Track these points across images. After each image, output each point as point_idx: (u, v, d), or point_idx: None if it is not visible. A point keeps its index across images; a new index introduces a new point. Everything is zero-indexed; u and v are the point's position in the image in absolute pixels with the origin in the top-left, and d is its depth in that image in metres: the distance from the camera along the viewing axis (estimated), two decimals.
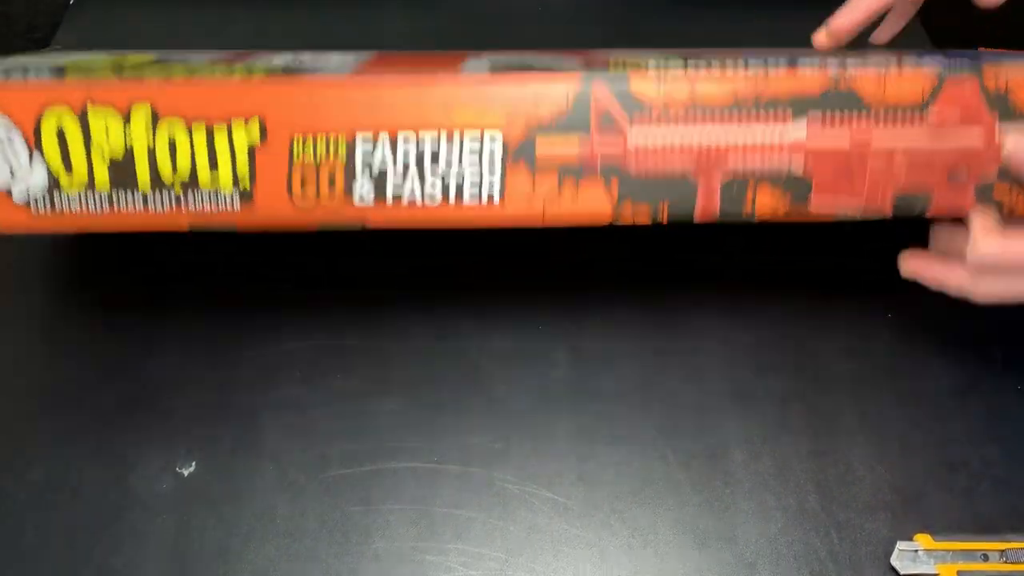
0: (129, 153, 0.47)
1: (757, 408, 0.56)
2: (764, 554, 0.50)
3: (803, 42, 0.60)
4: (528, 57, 0.53)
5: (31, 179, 0.48)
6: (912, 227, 0.66)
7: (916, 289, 0.62)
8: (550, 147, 0.48)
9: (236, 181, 0.48)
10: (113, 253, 0.63)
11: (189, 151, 0.47)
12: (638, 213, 0.50)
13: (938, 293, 0.62)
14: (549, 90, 0.47)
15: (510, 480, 0.53)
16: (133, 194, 0.49)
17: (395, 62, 0.53)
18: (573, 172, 0.48)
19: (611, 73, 0.47)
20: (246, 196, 0.49)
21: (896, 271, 0.63)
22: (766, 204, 0.49)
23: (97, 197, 0.49)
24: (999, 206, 0.49)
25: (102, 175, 0.48)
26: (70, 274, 0.62)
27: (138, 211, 0.49)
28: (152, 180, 0.48)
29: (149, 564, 0.49)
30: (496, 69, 0.49)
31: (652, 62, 0.49)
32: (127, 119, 0.47)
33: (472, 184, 0.49)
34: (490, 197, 0.49)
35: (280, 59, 0.54)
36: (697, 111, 0.47)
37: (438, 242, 0.64)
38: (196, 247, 0.63)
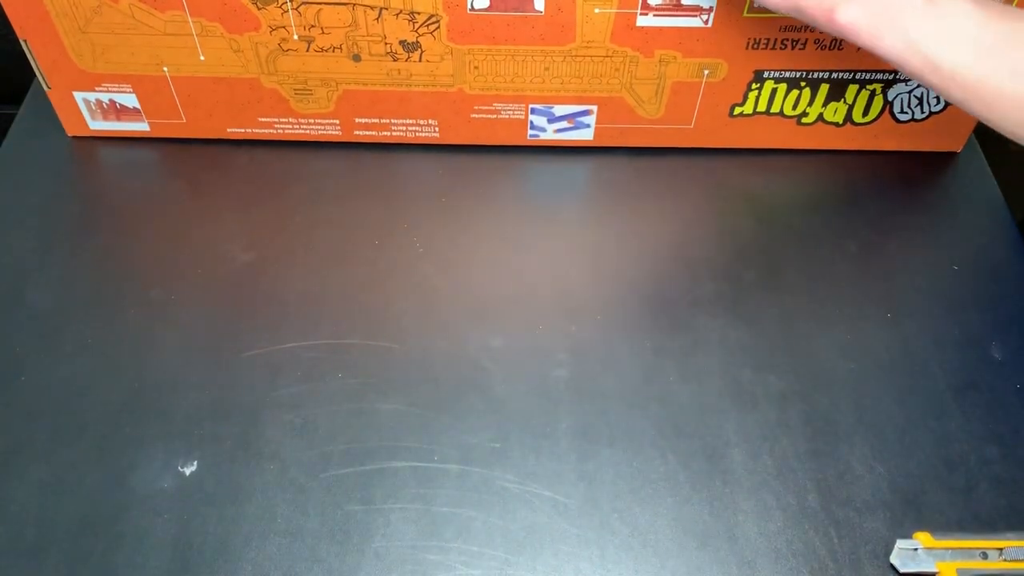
0: None
1: (757, 408, 0.56)
2: (764, 553, 0.50)
3: None
4: None
5: None
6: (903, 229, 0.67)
7: (916, 290, 0.62)
8: None
9: None
10: (114, 252, 0.63)
11: None
12: None
13: (937, 296, 0.62)
14: None
15: (510, 479, 0.53)
16: None
17: None
18: None
19: None
20: None
21: (895, 274, 0.63)
22: None
23: None
24: None
25: None
26: (70, 273, 0.62)
27: None
28: None
29: (151, 563, 0.49)
30: None
31: None
32: None
33: None
34: None
35: None
36: None
37: (438, 241, 0.64)
38: (196, 247, 0.63)
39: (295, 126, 0.67)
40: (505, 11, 0.58)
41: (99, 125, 0.68)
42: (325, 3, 0.58)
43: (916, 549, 0.50)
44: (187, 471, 0.52)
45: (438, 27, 0.60)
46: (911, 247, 0.65)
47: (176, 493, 0.51)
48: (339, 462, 0.53)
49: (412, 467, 0.53)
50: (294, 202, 0.66)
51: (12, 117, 0.71)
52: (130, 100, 0.66)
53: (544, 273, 0.62)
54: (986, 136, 0.70)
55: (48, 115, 0.68)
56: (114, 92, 0.65)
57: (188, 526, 0.50)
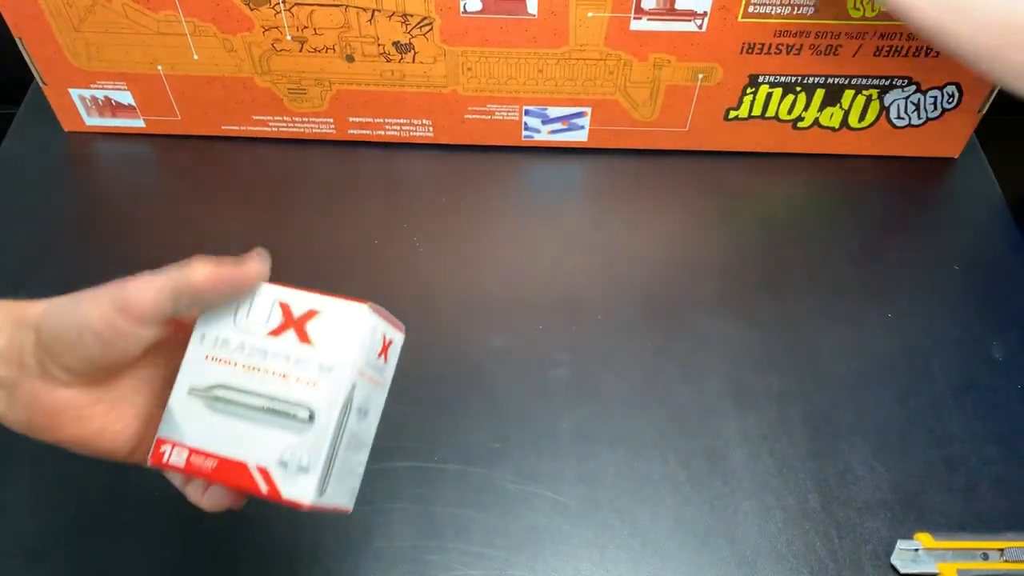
0: None
1: (757, 408, 0.56)
2: (764, 553, 0.50)
3: None
4: None
5: None
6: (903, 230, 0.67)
7: (917, 290, 0.62)
8: None
9: None
10: (112, 249, 0.63)
11: None
12: None
13: (938, 296, 0.62)
14: None
15: (510, 480, 0.53)
16: None
17: None
18: None
19: None
20: None
21: (896, 274, 0.63)
22: None
23: None
24: None
25: None
26: (70, 271, 0.62)
27: None
28: None
29: (149, 563, 0.49)
30: None
31: None
32: None
33: None
34: None
35: None
36: None
37: (438, 241, 0.64)
38: (195, 244, 0.63)
39: (289, 124, 0.67)
40: (498, 14, 0.58)
41: (95, 121, 0.68)
42: (318, 4, 0.58)
43: (917, 550, 0.50)
44: None
45: (431, 29, 0.59)
46: (912, 247, 0.65)
47: (176, 493, 0.51)
48: None
49: (412, 467, 0.53)
50: (292, 200, 0.66)
51: (12, 117, 0.71)
52: (125, 97, 0.66)
53: (544, 273, 0.62)
54: (987, 136, 0.70)
55: (47, 112, 0.68)
56: (109, 89, 0.65)
57: (188, 526, 0.50)
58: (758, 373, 0.57)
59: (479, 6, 0.58)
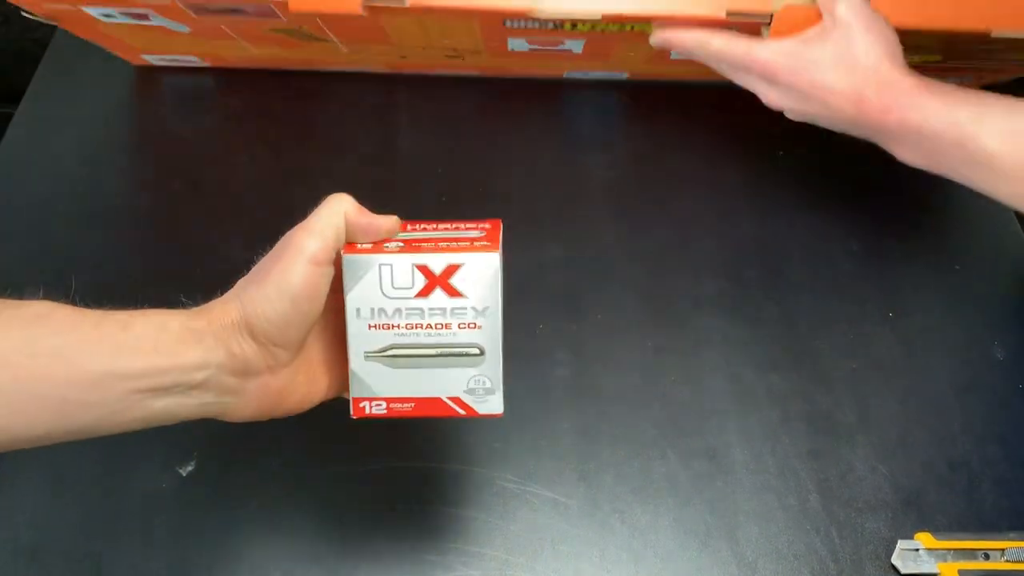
0: None
1: (758, 407, 0.56)
2: (765, 553, 0.50)
3: None
4: None
5: None
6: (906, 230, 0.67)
7: (918, 289, 0.62)
8: None
9: None
10: (110, 251, 0.63)
11: None
12: None
13: (939, 295, 0.62)
14: None
15: (510, 479, 0.52)
16: None
17: None
18: None
19: None
20: None
21: (896, 274, 0.63)
22: None
23: None
24: None
25: None
26: (68, 272, 0.62)
27: None
28: None
29: (149, 563, 0.49)
30: None
31: None
32: None
33: None
34: None
35: None
36: None
37: None
38: (194, 245, 0.63)
39: (346, 64, 0.70)
40: (544, 47, 0.62)
41: (155, 59, 0.70)
42: (369, 41, 0.62)
43: (918, 550, 0.50)
44: (185, 472, 0.52)
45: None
46: (913, 246, 0.65)
47: (174, 493, 0.51)
48: (338, 462, 0.53)
49: (412, 467, 0.53)
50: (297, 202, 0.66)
51: (11, 116, 0.70)
52: (187, 59, 0.69)
53: (544, 271, 0.62)
54: None
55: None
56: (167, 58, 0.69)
57: (186, 527, 0.50)
58: (759, 372, 0.57)
59: (525, 47, 0.61)
